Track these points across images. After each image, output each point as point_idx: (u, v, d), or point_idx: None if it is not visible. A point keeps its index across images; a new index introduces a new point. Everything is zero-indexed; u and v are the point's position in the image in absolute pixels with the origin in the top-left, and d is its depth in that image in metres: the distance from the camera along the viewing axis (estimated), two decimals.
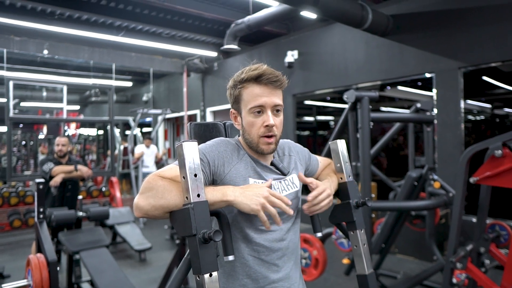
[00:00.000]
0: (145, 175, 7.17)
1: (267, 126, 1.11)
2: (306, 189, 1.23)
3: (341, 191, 1.28)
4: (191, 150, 0.94)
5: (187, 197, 0.92)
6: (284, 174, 1.20)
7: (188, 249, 0.94)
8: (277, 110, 1.14)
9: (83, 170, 4.03)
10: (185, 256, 0.98)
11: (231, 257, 0.98)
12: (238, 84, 1.15)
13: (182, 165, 0.93)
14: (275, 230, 1.14)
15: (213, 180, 1.10)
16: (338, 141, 1.30)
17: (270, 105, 1.12)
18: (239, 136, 1.23)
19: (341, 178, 1.28)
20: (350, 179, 1.28)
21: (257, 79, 1.12)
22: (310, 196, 1.15)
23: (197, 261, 0.88)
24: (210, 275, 0.88)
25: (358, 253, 1.25)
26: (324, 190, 1.16)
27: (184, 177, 0.92)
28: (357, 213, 1.24)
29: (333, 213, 1.29)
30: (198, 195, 0.92)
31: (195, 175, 0.92)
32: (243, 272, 1.12)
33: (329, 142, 1.34)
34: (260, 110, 1.12)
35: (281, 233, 1.15)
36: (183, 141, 0.93)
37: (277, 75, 1.14)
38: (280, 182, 1.18)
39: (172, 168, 1.04)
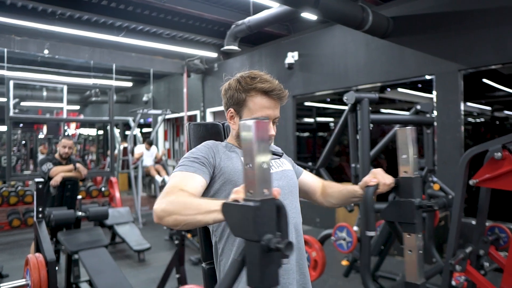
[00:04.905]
0: None
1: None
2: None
3: (402, 187, 1.13)
4: (262, 132, 0.75)
5: (250, 191, 0.75)
6: (279, 156, 1.33)
7: (234, 252, 0.82)
8: (275, 121, 1.25)
9: (81, 169, 4.07)
10: (233, 257, 0.84)
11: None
12: (245, 90, 1.21)
13: (247, 150, 0.75)
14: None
15: (213, 173, 1.20)
16: (408, 128, 1.14)
17: (273, 117, 1.22)
18: (226, 138, 1.36)
19: (405, 172, 1.13)
20: (416, 174, 1.13)
21: (267, 92, 1.19)
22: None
23: (256, 273, 0.74)
24: None
25: (412, 260, 1.10)
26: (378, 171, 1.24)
27: (249, 165, 0.75)
28: (418, 214, 1.10)
29: (389, 209, 1.15)
30: (266, 190, 0.74)
31: (265, 164, 0.74)
32: None
33: (396, 128, 1.18)
34: None
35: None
36: (251, 119, 0.77)
37: (285, 92, 1.23)
38: (275, 161, 1.31)
39: (184, 176, 1.12)
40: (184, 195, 1.00)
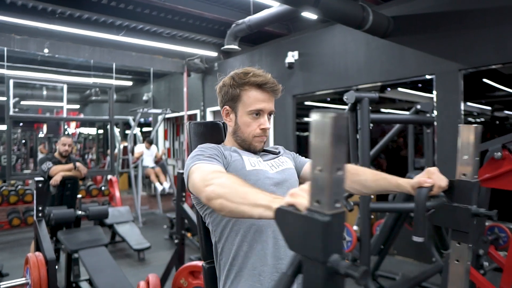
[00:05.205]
0: None
1: (263, 129, 1.25)
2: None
3: (458, 190, 1.03)
4: (340, 129, 0.58)
5: (318, 201, 0.61)
6: (275, 154, 1.35)
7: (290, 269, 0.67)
8: (270, 114, 1.27)
9: (81, 168, 4.07)
10: (285, 272, 0.69)
11: None
12: (239, 85, 1.23)
13: (319, 150, 0.59)
14: None
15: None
16: (474, 126, 1.01)
17: (268, 110, 1.25)
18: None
19: (464, 175, 1.02)
20: (476, 178, 1.02)
21: (261, 85, 1.22)
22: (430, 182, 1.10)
23: None
24: None
25: (459, 271, 0.99)
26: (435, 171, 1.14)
27: (319, 169, 0.60)
28: (473, 223, 1.01)
29: (440, 213, 1.05)
30: (337, 202, 0.60)
31: (341, 171, 0.59)
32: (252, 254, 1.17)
33: (460, 125, 1.08)
34: (258, 113, 1.23)
35: None
36: (326, 112, 0.61)
37: (278, 86, 1.25)
38: (274, 160, 1.31)
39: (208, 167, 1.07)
40: (233, 179, 0.94)
